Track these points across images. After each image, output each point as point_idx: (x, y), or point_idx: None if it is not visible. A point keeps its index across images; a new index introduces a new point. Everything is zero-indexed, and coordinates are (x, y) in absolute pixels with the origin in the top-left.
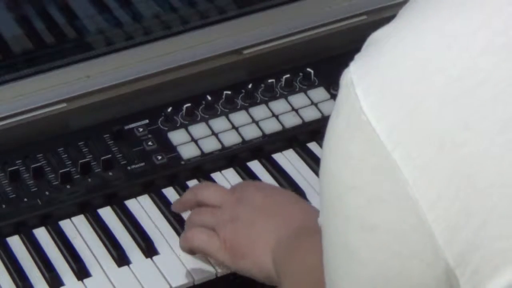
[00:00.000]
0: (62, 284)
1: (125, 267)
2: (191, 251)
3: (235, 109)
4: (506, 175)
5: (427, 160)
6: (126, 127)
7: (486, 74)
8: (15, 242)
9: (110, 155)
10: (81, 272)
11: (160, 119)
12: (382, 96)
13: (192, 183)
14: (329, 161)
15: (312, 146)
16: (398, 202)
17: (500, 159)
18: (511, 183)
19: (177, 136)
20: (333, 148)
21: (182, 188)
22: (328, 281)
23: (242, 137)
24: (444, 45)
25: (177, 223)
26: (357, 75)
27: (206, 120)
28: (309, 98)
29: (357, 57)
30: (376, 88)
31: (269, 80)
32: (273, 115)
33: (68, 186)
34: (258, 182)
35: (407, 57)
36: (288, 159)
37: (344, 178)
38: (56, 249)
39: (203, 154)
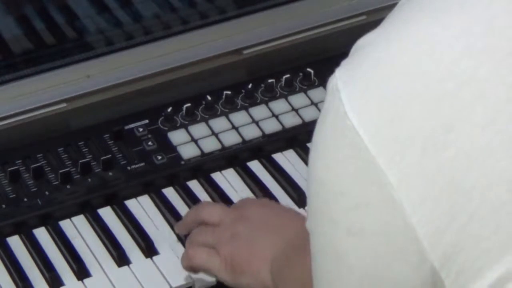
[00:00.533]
0: (62, 284)
1: (125, 267)
2: (193, 269)
3: (235, 109)
4: (488, 176)
5: (411, 163)
6: (126, 127)
7: (467, 76)
8: (15, 242)
9: (110, 155)
10: (81, 272)
11: (160, 119)
12: (365, 101)
13: (192, 183)
14: (316, 166)
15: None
16: (383, 205)
17: (482, 161)
18: (492, 185)
19: (177, 136)
20: (319, 153)
21: (182, 188)
22: (316, 284)
23: (242, 137)
24: (426, 49)
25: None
26: (342, 81)
27: (206, 120)
28: (309, 98)
29: (343, 63)
30: (360, 93)
31: (269, 80)
32: (273, 115)
33: (68, 186)
34: (258, 199)
35: (390, 62)
36: (288, 159)
37: (330, 183)
38: (56, 249)
39: (203, 154)
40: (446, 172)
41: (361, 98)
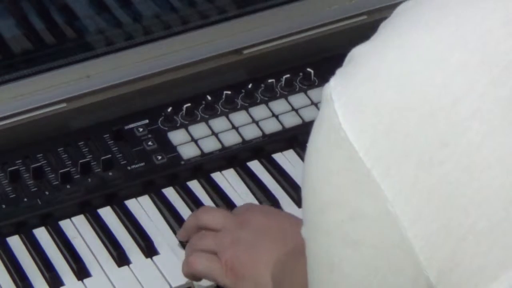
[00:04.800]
0: (62, 284)
1: (125, 267)
2: (194, 276)
3: (235, 109)
4: (484, 193)
5: (406, 177)
6: (126, 127)
7: (462, 92)
8: (15, 242)
9: (110, 155)
10: (81, 272)
11: (160, 119)
12: (360, 113)
13: (192, 183)
14: (311, 176)
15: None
16: (379, 218)
17: (478, 177)
18: (489, 201)
19: (177, 136)
20: (314, 163)
21: (182, 188)
22: None
23: (242, 137)
24: (420, 62)
25: (177, 223)
26: (336, 91)
27: (206, 120)
28: (309, 98)
29: (338, 72)
30: (353, 105)
31: (269, 80)
32: (273, 115)
33: (68, 186)
34: (259, 205)
35: (384, 74)
36: (288, 159)
37: (325, 194)
38: (56, 249)
39: (203, 154)
40: (442, 187)
41: (356, 109)
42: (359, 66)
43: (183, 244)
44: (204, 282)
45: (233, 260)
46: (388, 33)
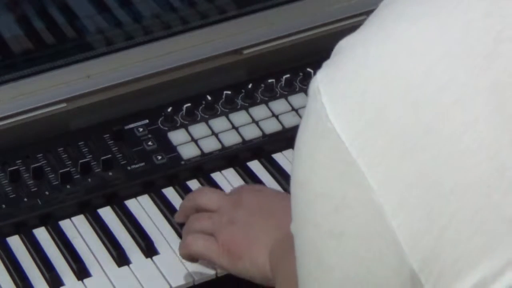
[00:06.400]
0: (62, 284)
1: (125, 267)
2: (191, 258)
3: (235, 109)
4: (466, 180)
5: (390, 166)
6: (126, 127)
7: (445, 81)
8: (15, 242)
9: (110, 155)
10: (81, 272)
11: (160, 119)
12: (346, 104)
13: (192, 183)
14: (298, 169)
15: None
16: (363, 208)
17: (460, 165)
18: (471, 189)
19: (177, 136)
20: (301, 155)
21: (182, 188)
22: (300, 283)
23: (242, 137)
24: (404, 53)
25: (177, 223)
26: (323, 84)
27: (206, 120)
28: None
29: (324, 64)
30: (340, 96)
31: (269, 80)
32: (273, 115)
33: (68, 186)
34: (255, 185)
35: (369, 65)
36: (288, 159)
37: (312, 186)
38: (56, 249)
39: (203, 154)
40: (425, 176)
41: (341, 101)
42: (345, 59)
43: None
44: (204, 270)
45: (229, 241)
46: (372, 26)
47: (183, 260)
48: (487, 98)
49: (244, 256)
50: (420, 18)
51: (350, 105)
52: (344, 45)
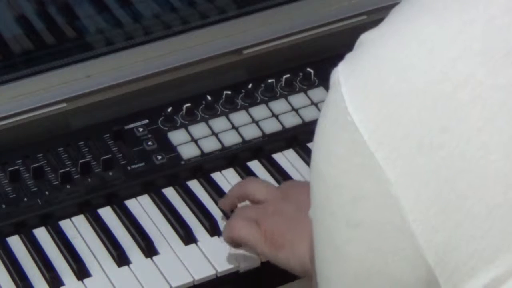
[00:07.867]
0: (62, 284)
1: (125, 267)
2: (233, 241)
3: (235, 109)
4: (483, 177)
5: (407, 161)
6: (126, 127)
7: (463, 78)
8: (15, 242)
9: (110, 155)
10: (81, 272)
11: (160, 119)
12: (365, 98)
13: (192, 183)
14: (317, 159)
15: (312, 146)
16: (381, 200)
17: (477, 162)
18: (487, 186)
19: (177, 136)
20: (320, 146)
21: (182, 188)
22: (318, 271)
23: (242, 137)
24: (424, 49)
25: (177, 223)
26: (343, 75)
27: (206, 120)
28: (309, 98)
29: (346, 56)
30: (359, 89)
31: (269, 80)
32: (273, 115)
33: (68, 186)
34: (304, 181)
35: (389, 59)
36: (288, 159)
37: (330, 176)
38: (56, 249)
39: (203, 154)
40: (441, 171)
41: (361, 93)
42: (365, 52)
43: (183, 240)
44: (247, 255)
45: (272, 229)
46: (394, 21)
47: (183, 260)
48: (505, 96)
49: (286, 246)
50: (442, 13)
51: (368, 98)
52: (365, 38)
